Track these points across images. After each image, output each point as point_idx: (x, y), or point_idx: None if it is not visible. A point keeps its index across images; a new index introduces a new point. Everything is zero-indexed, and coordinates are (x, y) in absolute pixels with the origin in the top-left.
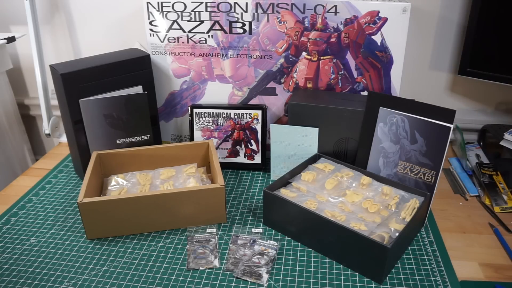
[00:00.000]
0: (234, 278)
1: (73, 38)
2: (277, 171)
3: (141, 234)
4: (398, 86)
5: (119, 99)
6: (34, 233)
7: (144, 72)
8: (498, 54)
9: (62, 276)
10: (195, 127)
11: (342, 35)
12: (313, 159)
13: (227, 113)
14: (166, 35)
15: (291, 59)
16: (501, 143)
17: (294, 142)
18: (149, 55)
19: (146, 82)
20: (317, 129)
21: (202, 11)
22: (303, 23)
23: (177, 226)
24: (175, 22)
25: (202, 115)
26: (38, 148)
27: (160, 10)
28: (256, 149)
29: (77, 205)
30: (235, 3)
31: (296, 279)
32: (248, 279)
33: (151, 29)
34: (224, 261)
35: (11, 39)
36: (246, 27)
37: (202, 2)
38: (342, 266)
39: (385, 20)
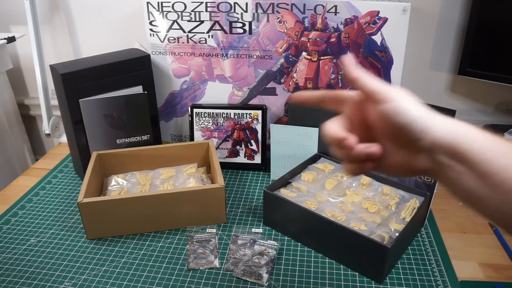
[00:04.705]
0: (234, 278)
1: (73, 38)
2: (277, 171)
3: (141, 234)
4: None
5: (119, 99)
6: (34, 233)
7: (144, 72)
8: (498, 54)
9: (62, 276)
10: (195, 127)
11: (342, 35)
12: (313, 159)
13: (227, 113)
14: (166, 35)
15: (291, 59)
16: None
17: (294, 142)
18: (149, 55)
19: (146, 82)
20: (317, 129)
21: (202, 11)
22: (303, 23)
23: (177, 226)
24: (175, 22)
25: (202, 115)
26: (38, 148)
27: (160, 10)
28: (256, 149)
29: (77, 205)
30: (235, 3)
31: (296, 279)
32: (248, 279)
33: (151, 29)
34: (224, 261)
35: (11, 39)
36: (246, 27)
37: (202, 2)
38: (342, 266)
39: (385, 20)
